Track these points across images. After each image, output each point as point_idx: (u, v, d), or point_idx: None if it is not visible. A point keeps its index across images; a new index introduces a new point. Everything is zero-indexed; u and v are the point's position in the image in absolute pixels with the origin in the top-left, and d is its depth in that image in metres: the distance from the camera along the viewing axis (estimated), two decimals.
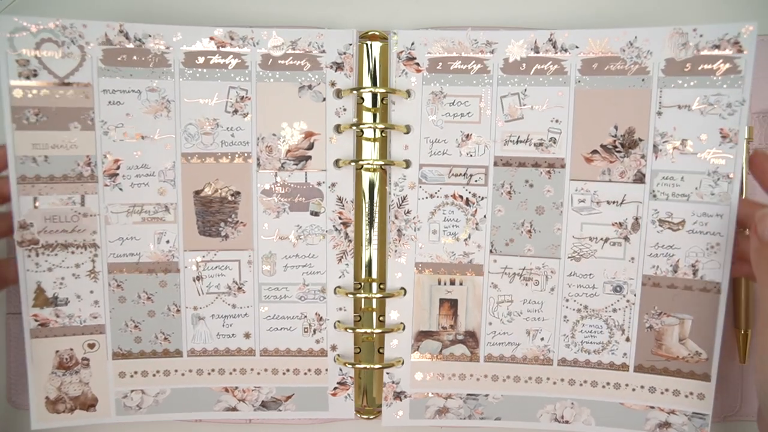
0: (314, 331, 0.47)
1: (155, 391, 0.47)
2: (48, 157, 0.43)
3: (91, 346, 0.46)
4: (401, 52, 0.45)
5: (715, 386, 0.43)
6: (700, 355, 0.43)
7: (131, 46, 0.43)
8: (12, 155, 0.43)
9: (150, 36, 0.43)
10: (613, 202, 0.44)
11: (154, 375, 0.46)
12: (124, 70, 0.44)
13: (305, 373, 0.47)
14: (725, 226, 0.42)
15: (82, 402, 0.46)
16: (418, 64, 0.45)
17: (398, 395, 0.47)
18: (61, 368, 0.45)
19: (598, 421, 0.45)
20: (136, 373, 0.46)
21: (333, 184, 0.46)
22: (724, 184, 0.42)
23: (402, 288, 0.46)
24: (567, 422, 0.46)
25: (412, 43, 0.45)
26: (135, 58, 0.43)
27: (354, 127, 0.45)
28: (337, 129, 0.46)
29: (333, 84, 0.45)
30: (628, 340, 0.44)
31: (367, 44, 0.46)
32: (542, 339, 0.46)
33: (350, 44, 0.45)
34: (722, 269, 0.42)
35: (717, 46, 0.41)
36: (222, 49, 0.44)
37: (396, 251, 0.46)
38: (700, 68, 0.41)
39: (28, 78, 0.42)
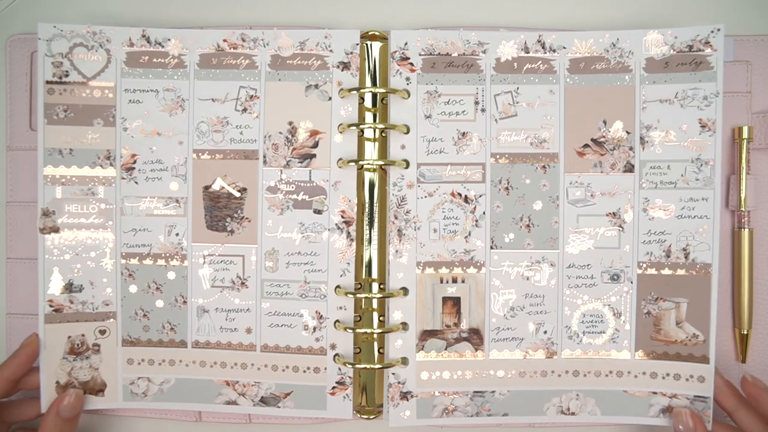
0: (314, 329, 0.46)
1: (160, 380, 0.47)
2: (73, 149, 0.46)
3: (102, 332, 0.47)
4: (394, 52, 0.46)
5: (714, 368, 0.44)
6: (697, 338, 0.45)
7: (152, 49, 0.46)
8: (41, 147, 0.46)
9: (169, 40, 0.46)
10: (606, 193, 0.45)
11: (160, 364, 0.47)
12: (144, 71, 0.46)
13: (304, 371, 0.46)
14: (711, 209, 0.44)
15: (91, 387, 0.47)
16: (412, 63, 0.46)
17: (405, 395, 0.46)
18: (72, 353, 0.46)
19: (603, 411, 0.46)
20: (143, 360, 0.47)
21: (336, 183, 0.46)
22: (706, 170, 0.44)
23: (403, 288, 0.46)
24: (573, 414, 0.46)
25: (405, 43, 0.46)
26: (155, 60, 0.46)
27: (354, 127, 0.46)
28: (338, 129, 0.46)
29: (339, 83, 0.46)
30: (627, 327, 0.46)
31: (367, 44, 0.47)
32: (545, 332, 0.46)
33: (357, 44, 0.46)
34: (711, 250, 0.44)
35: (690, 47, 0.44)
36: (234, 51, 0.46)
37: (397, 251, 0.46)
38: (677, 65, 0.45)
39: (60, 78, 0.46)
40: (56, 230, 0.46)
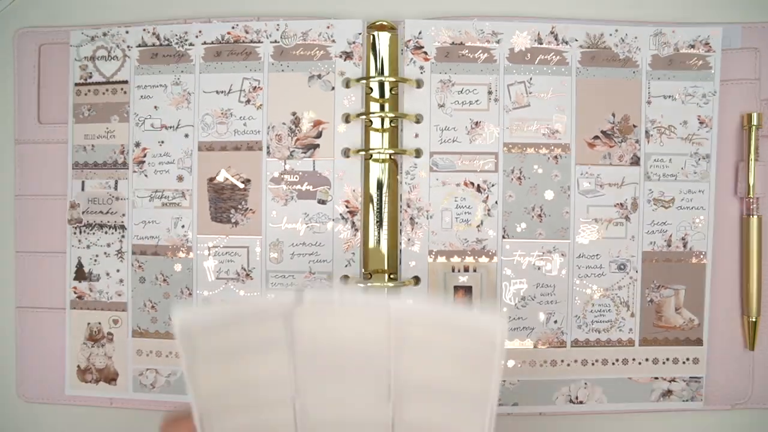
0: None
1: (168, 372, 0.48)
2: (94, 146, 0.48)
3: (115, 321, 0.48)
4: (409, 41, 0.45)
5: (707, 349, 0.46)
6: (693, 322, 0.47)
7: (160, 44, 0.47)
8: (70, 145, 0.48)
9: (176, 35, 0.47)
10: (614, 185, 0.47)
11: (167, 356, 0.48)
12: (154, 67, 0.48)
13: None
14: (707, 200, 0.47)
15: (106, 375, 0.48)
16: (425, 53, 0.46)
17: None
18: (90, 340, 0.48)
19: (609, 399, 0.47)
20: (151, 352, 0.48)
21: (340, 173, 0.46)
22: (703, 164, 0.47)
23: (414, 277, 0.45)
24: (581, 402, 0.47)
25: (420, 32, 0.45)
26: (164, 56, 0.47)
27: (361, 117, 0.45)
28: (346, 119, 0.46)
29: (342, 73, 0.46)
30: (632, 315, 0.47)
31: (374, 35, 0.46)
32: (555, 322, 0.47)
33: (359, 33, 0.46)
34: (707, 239, 0.47)
35: (692, 46, 0.47)
36: (238, 43, 0.47)
37: (409, 240, 0.45)
38: (679, 63, 0.47)
39: (85, 80, 0.48)
40: (80, 221, 0.48)
